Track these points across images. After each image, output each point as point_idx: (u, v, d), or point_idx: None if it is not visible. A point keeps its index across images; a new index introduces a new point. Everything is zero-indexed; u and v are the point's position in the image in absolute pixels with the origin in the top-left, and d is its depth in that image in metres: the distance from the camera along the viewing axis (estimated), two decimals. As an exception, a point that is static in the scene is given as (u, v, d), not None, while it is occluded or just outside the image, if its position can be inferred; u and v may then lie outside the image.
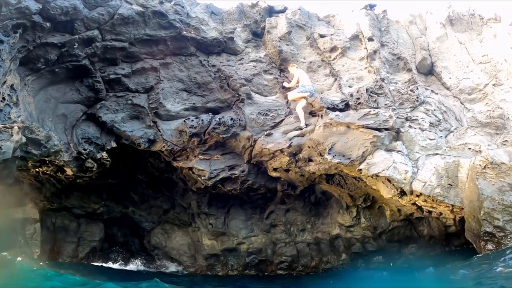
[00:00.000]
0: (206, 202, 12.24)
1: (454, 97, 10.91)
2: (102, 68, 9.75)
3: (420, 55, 11.22)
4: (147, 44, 10.02)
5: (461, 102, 10.70)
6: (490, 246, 7.19)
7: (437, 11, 12.78)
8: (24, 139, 7.55)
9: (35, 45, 8.29)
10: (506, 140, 9.53)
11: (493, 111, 10.17)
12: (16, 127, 7.22)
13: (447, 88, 11.06)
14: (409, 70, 10.43)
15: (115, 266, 12.55)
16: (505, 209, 7.15)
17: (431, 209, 9.31)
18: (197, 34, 10.30)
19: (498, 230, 7.11)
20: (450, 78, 11.14)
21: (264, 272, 12.13)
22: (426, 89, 10.31)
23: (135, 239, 13.21)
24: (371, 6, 11.61)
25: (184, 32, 10.17)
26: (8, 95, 7.48)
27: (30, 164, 8.90)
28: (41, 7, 7.95)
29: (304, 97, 9.81)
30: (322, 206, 11.82)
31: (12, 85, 7.65)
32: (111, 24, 9.22)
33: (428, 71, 11.29)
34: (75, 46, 8.85)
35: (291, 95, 10.07)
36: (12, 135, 7.12)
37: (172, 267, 12.69)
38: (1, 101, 7.25)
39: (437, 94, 10.31)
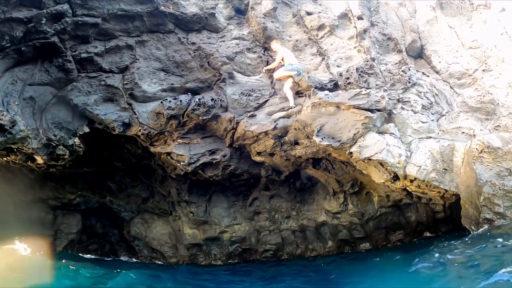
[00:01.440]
0: (186, 189, 11.72)
1: (444, 81, 10.64)
2: (73, 47, 8.99)
3: (410, 37, 10.85)
4: (121, 20, 9.31)
5: (451, 87, 10.45)
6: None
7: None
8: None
9: (-1, 21, 7.53)
10: (498, 125, 9.32)
11: (483, 96, 9.93)
12: (-27, 112, 6.53)
13: (437, 72, 10.77)
14: (400, 51, 10.06)
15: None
16: (506, 195, 6.92)
17: (421, 195, 9.08)
18: (176, 9, 9.64)
19: (498, 216, 6.89)
20: (439, 62, 10.85)
21: (249, 260, 11.78)
22: (417, 71, 9.97)
23: (114, 230, 12.60)
24: (360, -16, 11.12)
25: (162, 7, 9.49)
26: (-34, 77, 6.76)
27: (-4, 153, 8.20)
28: None
29: (291, 76, 9.31)
30: (308, 192, 11.46)
31: (-30, 66, 6.92)
32: (82, -3, 8.49)
33: (418, 54, 10.96)
34: (42, 22, 8.08)
35: (277, 74, 9.55)
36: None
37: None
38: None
39: (428, 76, 10.01)
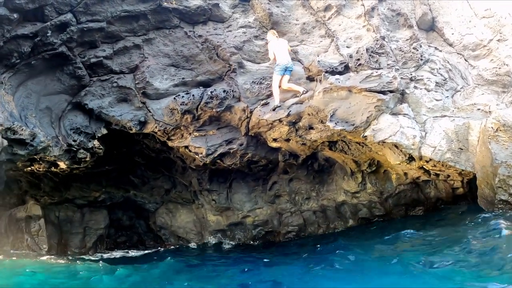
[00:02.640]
0: (207, 178, 12.03)
1: (458, 54, 10.26)
2: (82, 53, 9.16)
3: (420, 10, 10.48)
4: (126, 21, 9.36)
5: (465, 59, 10.09)
6: (504, 214, 7.01)
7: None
8: (6, 142, 7.19)
9: (5, 40, 7.71)
10: None
11: (499, 68, 9.57)
12: (-5, 132, 6.86)
13: (450, 45, 10.39)
14: (410, 26, 9.81)
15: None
16: (521, 176, 6.91)
17: (438, 172, 9.13)
18: (179, 4, 9.60)
19: (513, 197, 6.90)
20: (452, 34, 10.45)
21: (272, 243, 12.14)
22: (429, 46, 9.77)
23: (140, 221, 13.19)
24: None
25: (165, 3, 9.47)
26: (-17, 98, 7.05)
27: (20, 165, 8.58)
28: None
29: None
30: (326, 173, 11.60)
31: (-13, 86, 7.19)
32: (84, 4, 8.52)
33: (429, 27, 10.60)
34: (48, 34, 8.23)
35: (273, 81, 9.50)
36: (-7, 142, 6.76)
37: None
38: (-23, 105, 6.83)
39: (441, 51, 9.77)
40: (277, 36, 9.69)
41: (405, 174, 10.42)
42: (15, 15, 7.68)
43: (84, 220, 12.53)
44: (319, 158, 11.30)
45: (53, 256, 11.02)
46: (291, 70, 9.39)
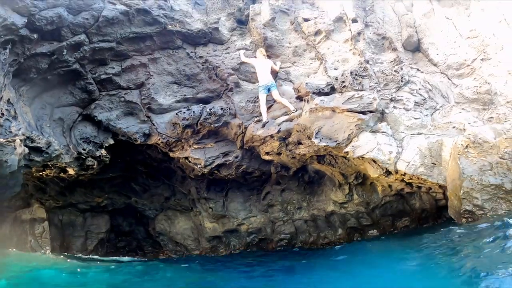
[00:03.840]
0: (205, 187, 12.95)
1: (442, 73, 11.12)
2: (93, 69, 10.20)
3: (406, 33, 11.49)
4: (134, 41, 10.42)
5: (448, 78, 10.94)
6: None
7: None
8: (26, 150, 8.16)
9: (25, 57, 8.73)
10: (491, 117, 9.87)
11: (480, 86, 10.40)
12: (18, 140, 7.82)
13: (435, 65, 11.28)
14: (394, 49, 10.84)
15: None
16: (484, 189, 7.81)
17: (420, 185, 9.98)
18: (182, 27, 10.68)
19: (477, 208, 7.81)
20: (437, 54, 11.35)
21: (266, 250, 13.01)
22: (411, 68, 10.72)
23: (140, 228, 14.06)
24: (354, -15, 11.86)
25: (169, 26, 10.54)
26: (6, 109, 8.00)
27: (34, 170, 9.54)
28: (26, 20, 8.31)
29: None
30: (316, 184, 12.53)
31: (9, 99, 8.16)
32: (96, 26, 9.59)
33: (415, 48, 11.56)
34: (64, 53, 9.28)
35: (260, 101, 10.70)
36: (15, 148, 7.72)
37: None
38: (1, 116, 7.80)
39: (422, 72, 10.72)
40: (264, 55, 10.76)
41: (390, 186, 11.30)
42: (35, 35, 8.71)
43: (86, 224, 13.39)
44: (309, 170, 12.24)
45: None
46: (274, 87, 10.49)
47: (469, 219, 7.99)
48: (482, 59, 11.19)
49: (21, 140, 7.90)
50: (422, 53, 11.78)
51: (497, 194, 7.74)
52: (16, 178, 8.22)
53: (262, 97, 10.46)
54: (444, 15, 12.26)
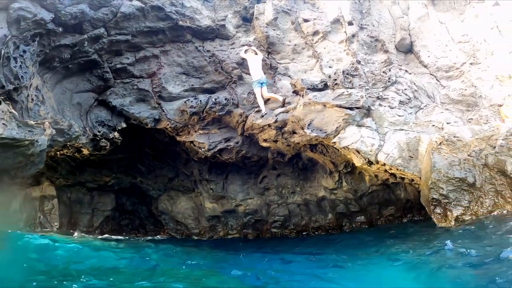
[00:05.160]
0: (207, 170, 14.40)
1: (431, 74, 12.20)
2: (109, 59, 11.48)
3: (399, 35, 12.63)
4: (147, 35, 11.69)
5: (437, 80, 12.05)
6: (438, 210, 9.32)
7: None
8: (54, 131, 9.54)
9: (50, 48, 9.95)
10: (471, 118, 11.11)
11: (465, 89, 11.52)
12: (47, 122, 9.18)
13: (425, 66, 12.38)
14: (386, 51, 12.09)
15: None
16: (449, 181, 9.14)
17: (403, 176, 11.35)
18: (192, 23, 11.96)
19: (443, 197, 9.17)
20: (428, 56, 12.41)
21: (260, 231, 14.50)
22: (400, 69, 11.97)
23: (143, 207, 15.55)
24: (355, -13, 13.05)
25: (180, 22, 11.81)
26: (35, 95, 9.33)
27: (54, 149, 10.92)
28: (53, 16, 9.49)
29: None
30: (309, 171, 13.95)
31: (37, 86, 9.47)
32: (115, 21, 10.83)
33: (408, 49, 12.68)
34: (85, 44, 10.53)
35: (256, 94, 11.93)
36: (44, 130, 9.08)
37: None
38: (31, 101, 9.13)
39: (410, 74, 11.97)
40: (255, 53, 11.99)
41: (376, 176, 12.70)
42: (60, 29, 9.94)
43: (93, 202, 14.88)
44: (303, 158, 13.65)
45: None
46: (265, 82, 11.78)
47: (436, 207, 9.37)
48: (471, 63, 12.20)
49: (49, 123, 9.26)
50: (414, 55, 12.91)
51: (461, 186, 9.09)
52: (42, 156, 9.55)
53: (257, 91, 11.79)
54: (438, 20, 13.21)
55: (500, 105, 11.37)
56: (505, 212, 8.68)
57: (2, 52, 8.37)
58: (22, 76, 8.65)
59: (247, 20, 12.85)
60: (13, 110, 8.47)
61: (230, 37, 12.55)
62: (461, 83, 11.98)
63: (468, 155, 9.40)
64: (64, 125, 10.17)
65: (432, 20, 13.28)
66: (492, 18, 12.62)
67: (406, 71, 12.21)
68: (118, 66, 11.63)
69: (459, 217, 8.98)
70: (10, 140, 8.06)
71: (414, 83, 11.86)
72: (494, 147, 9.08)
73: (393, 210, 13.41)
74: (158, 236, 15.25)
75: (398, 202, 13.25)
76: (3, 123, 8.06)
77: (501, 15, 12.55)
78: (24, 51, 9.06)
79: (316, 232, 14.00)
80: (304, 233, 14.16)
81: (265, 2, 12.65)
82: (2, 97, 8.26)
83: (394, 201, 13.28)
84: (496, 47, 12.19)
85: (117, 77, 11.83)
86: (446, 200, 9.15)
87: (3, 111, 8.21)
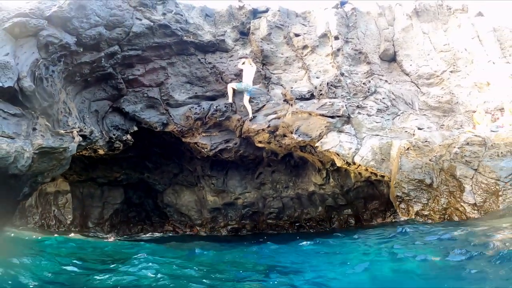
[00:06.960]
0: (209, 166, 16.65)
1: (412, 82, 14.18)
2: (122, 71, 13.66)
3: (383, 46, 14.66)
4: (156, 49, 13.84)
5: (418, 87, 13.96)
6: (402, 205, 11.51)
7: (406, 3, 15.56)
8: (81, 139, 11.78)
9: (73, 66, 12.02)
10: (443, 124, 13.13)
11: (442, 96, 13.39)
12: (75, 131, 11.43)
13: (407, 74, 14.37)
14: (369, 62, 14.16)
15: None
16: (410, 181, 11.25)
17: (382, 174, 13.51)
18: (195, 38, 14.11)
19: (405, 195, 11.35)
20: (410, 65, 14.32)
21: (257, 222, 16.79)
22: (380, 79, 14.04)
23: (149, 200, 17.84)
24: (342, 4, 15.07)
25: (185, 37, 13.96)
26: (63, 108, 11.55)
27: (76, 151, 13.19)
28: (76, 39, 11.56)
29: (241, 91, 13.95)
30: (301, 168, 16.18)
31: (64, 99, 11.74)
32: (127, 39, 12.95)
33: (391, 58, 14.64)
34: (102, 60, 12.66)
35: (229, 85, 14.06)
36: (73, 138, 11.33)
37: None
38: (61, 113, 11.38)
39: (390, 83, 14.05)
40: (250, 64, 14.04)
41: (360, 173, 14.85)
42: (81, 49, 12.06)
43: (103, 196, 17.07)
44: (294, 156, 15.86)
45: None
46: (250, 92, 13.84)
47: (401, 203, 11.56)
48: (451, 71, 14.03)
49: (77, 131, 11.51)
50: (397, 64, 14.89)
51: (420, 186, 11.23)
52: (69, 159, 11.82)
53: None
54: (422, 30, 15.09)
55: (474, 112, 13.27)
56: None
57: (36, 74, 10.55)
58: (53, 93, 10.84)
59: (244, 34, 14.97)
60: (47, 123, 10.70)
61: (229, 50, 14.69)
62: (440, 90, 13.88)
63: (430, 160, 11.50)
64: (86, 131, 12.40)
65: (416, 31, 15.12)
66: (474, 28, 14.42)
67: (386, 81, 14.30)
68: (130, 77, 13.79)
69: (419, 212, 11.16)
70: (49, 149, 10.29)
71: (392, 92, 13.95)
72: (451, 154, 11.16)
73: (377, 204, 15.55)
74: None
75: (382, 197, 15.34)
76: (41, 135, 10.31)
77: (482, 25, 14.26)
78: (53, 71, 11.22)
79: (308, 224, 16.27)
80: (297, 224, 16.45)
81: (260, 17, 14.74)
82: (39, 113, 10.49)
83: (378, 196, 15.41)
84: (476, 56, 13.96)
85: (129, 86, 14.00)
86: (408, 197, 11.34)
87: (40, 125, 10.46)
